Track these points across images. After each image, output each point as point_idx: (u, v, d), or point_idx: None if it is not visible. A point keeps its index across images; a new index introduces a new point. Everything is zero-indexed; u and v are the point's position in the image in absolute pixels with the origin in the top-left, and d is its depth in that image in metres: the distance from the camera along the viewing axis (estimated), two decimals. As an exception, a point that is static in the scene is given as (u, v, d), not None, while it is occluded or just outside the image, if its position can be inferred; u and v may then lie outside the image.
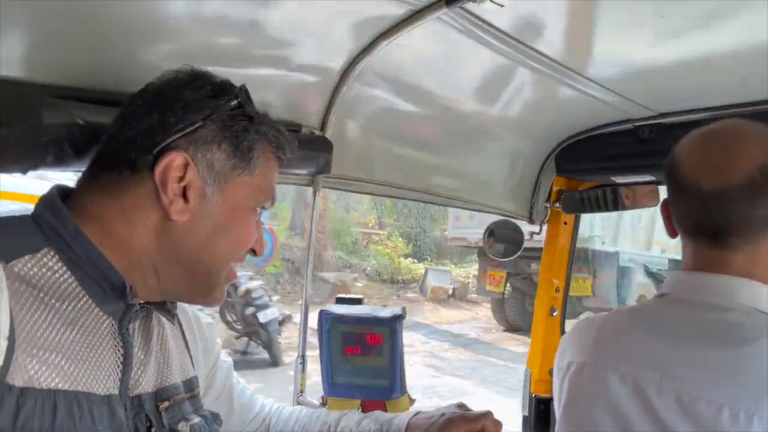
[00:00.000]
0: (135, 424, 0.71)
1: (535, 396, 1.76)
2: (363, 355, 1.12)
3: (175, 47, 0.96)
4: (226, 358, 1.00)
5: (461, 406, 0.96)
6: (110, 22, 0.84)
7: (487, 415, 0.93)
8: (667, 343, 0.83)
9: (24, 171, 0.80)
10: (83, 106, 0.83)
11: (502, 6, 0.91)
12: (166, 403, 0.76)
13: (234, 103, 0.75)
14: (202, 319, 0.96)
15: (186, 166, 0.71)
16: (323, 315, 1.14)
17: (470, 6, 0.95)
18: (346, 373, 1.12)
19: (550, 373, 1.75)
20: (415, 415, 0.95)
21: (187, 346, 0.88)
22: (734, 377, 0.76)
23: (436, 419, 0.92)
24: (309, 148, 1.14)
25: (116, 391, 0.69)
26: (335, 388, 1.13)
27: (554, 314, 1.77)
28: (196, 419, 0.79)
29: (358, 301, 1.21)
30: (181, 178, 0.71)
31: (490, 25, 1.03)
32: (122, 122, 0.74)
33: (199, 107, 0.72)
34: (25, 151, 0.79)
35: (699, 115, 1.34)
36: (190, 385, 0.83)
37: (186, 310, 0.91)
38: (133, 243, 0.72)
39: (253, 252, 0.81)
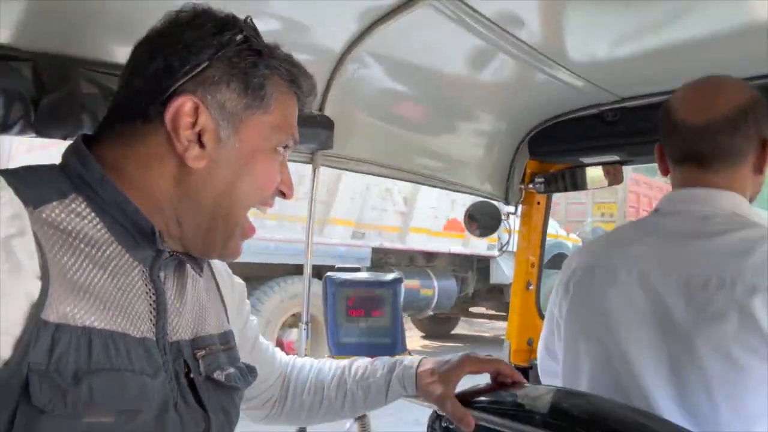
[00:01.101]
0: (174, 368, 0.71)
1: (515, 365, 1.88)
2: (366, 316, 1.21)
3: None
4: (253, 317, 1.02)
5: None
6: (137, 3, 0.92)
7: (500, 361, 0.98)
8: (663, 241, 1.00)
9: (64, 137, 0.86)
10: (115, 77, 0.90)
11: None
12: (203, 351, 0.76)
13: (239, 37, 0.70)
14: (235, 279, 0.96)
15: (196, 109, 0.68)
16: (328, 280, 1.23)
17: (459, -8, 1.06)
18: (351, 334, 1.21)
19: (529, 343, 1.89)
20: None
21: (222, 301, 0.88)
22: (717, 257, 0.92)
23: (449, 358, 0.97)
24: (311, 125, 1.22)
25: (152, 335, 0.68)
26: (341, 348, 1.21)
27: (530, 288, 1.90)
28: (231, 369, 0.80)
29: (357, 270, 1.29)
30: (194, 124, 0.69)
31: (477, 12, 1.13)
32: (130, 71, 0.71)
33: (202, 46, 0.68)
34: (64, 119, 0.86)
35: (659, 98, 1.48)
36: (225, 338, 0.83)
37: (220, 267, 0.92)
38: (153, 192, 0.70)
39: (282, 194, 0.78)
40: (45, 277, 0.58)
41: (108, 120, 0.73)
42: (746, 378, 0.85)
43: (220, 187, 0.72)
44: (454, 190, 1.82)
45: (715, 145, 0.98)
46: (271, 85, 0.73)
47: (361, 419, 1.20)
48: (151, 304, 0.70)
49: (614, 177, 1.75)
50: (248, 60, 0.70)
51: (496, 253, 7.81)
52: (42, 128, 0.83)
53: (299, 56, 1.24)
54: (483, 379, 1.00)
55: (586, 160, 1.73)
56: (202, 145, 0.70)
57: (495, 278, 8.39)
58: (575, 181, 1.78)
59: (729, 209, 0.98)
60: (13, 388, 0.55)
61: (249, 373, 0.85)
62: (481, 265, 8.45)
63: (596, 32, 1.24)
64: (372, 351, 1.17)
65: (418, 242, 7.19)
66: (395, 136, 1.55)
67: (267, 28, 1.12)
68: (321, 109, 1.31)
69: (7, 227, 0.56)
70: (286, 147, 0.77)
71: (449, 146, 1.70)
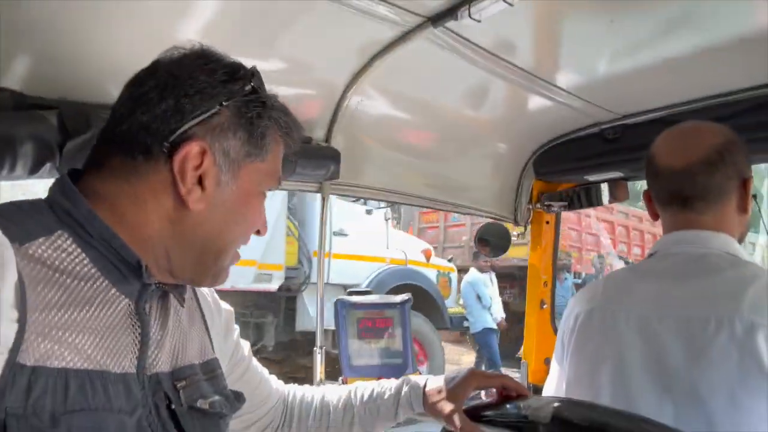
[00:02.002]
0: (154, 402, 0.70)
1: (533, 385, 1.88)
2: (377, 338, 1.24)
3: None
4: (245, 342, 1.02)
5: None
6: (154, 50, 0.99)
7: (505, 376, 1.00)
8: (661, 284, 1.02)
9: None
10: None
11: (479, 21, 1.08)
12: (183, 382, 0.76)
13: (248, 87, 0.74)
14: (222, 305, 0.96)
15: (203, 154, 0.70)
16: (339, 304, 1.27)
17: (452, 25, 1.11)
18: (363, 355, 1.24)
19: (546, 362, 1.89)
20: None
21: (207, 330, 0.88)
22: (714, 297, 0.94)
23: (455, 374, 0.98)
24: (319, 157, 1.29)
25: (133, 370, 0.68)
26: (354, 370, 1.24)
27: (544, 307, 1.91)
28: (216, 397, 0.80)
29: (368, 293, 1.34)
30: (197, 167, 0.70)
31: (470, 42, 1.19)
32: (133, 104, 0.70)
33: (214, 93, 0.71)
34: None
35: (657, 114, 1.51)
36: (209, 366, 0.83)
37: (206, 294, 0.92)
38: (145, 228, 0.71)
39: (257, 232, 0.82)
40: (22, 320, 0.58)
41: (100, 151, 0.72)
42: (749, 417, 0.87)
43: (215, 228, 0.74)
44: (463, 213, 1.86)
45: (696, 185, 1.01)
46: (270, 135, 0.76)
47: None
48: (135, 337, 0.70)
49: (618, 194, 1.77)
50: (254, 110, 0.74)
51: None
52: (66, 170, 0.90)
53: (304, 91, 1.34)
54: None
55: (590, 178, 1.76)
56: (203, 187, 0.72)
57: (301, 324, 6.25)
58: (580, 200, 1.81)
59: (721, 248, 1.01)
60: None
61: (236, 399, 0.85)
62: (290, 305, 6.46)
63: (591, 53, 1.28)
64: (384, 372, 1.20)
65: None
66: (401, 163, 1.60)
67: (272, 67, 1.21)
68: (327, 140, 1.38)
69: None
70: (269, 188, 0.81)
71: (455, 170, 1.74)
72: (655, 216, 1.12)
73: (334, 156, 1.34)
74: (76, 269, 0.66)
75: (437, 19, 1.10)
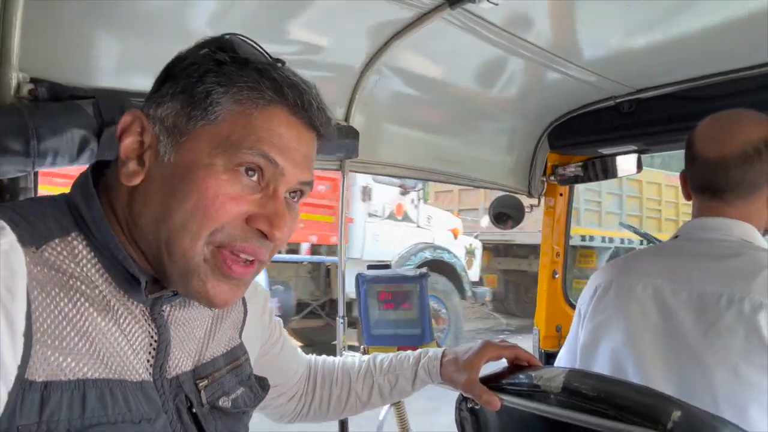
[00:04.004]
0: (176, 406, 0.69)
1: (544, 351, 1.95)
2: (396, 309, 1.31)
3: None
4: (278, 321, 1.02)
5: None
6: (179, 38, 1.03)
7: (517, 347, 1.03)
8: (679, 262, 1.07)
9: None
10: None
11: (497, 4, 1.10)
12: (205, 381, 0.73)
13: (203, 52, 0.66)
14: (259, 287, 0.93)
15: (133, 123, 0.65)
16: (360, 278, 1.33)
17: (469, 6, 1.14)
18: (382, 326, 1.31)
19: (557, 329, 1.96)
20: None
21: (244, 315, 0.86)
22: (728, 276, 0.99)
23: (470, 345, 1.02)
24: (339, 136, 1.33)
25: (149, 378, 0.66)
26: (374, 339, 1.32)
27: (556, 277, 1.96)
28: (240, 390, 0.78)
29: (387, 266, 1.40)
30: (142, 143, 0.65)
31: (486, 21, 1.21)
32: None
33: (168, 67, 0.68)
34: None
35: (671, 89, 1.52)
36: (233, 355, 0.80)
37: (260, 296, 0.92)
38: (125, 223, 0.67)
39: (261, 232, 0.66)
40: (28, 334, 0.55)
41: None
42: (751, 392, 0.91)
43: (155, 209, 0.64)
44: (477, 186, 1.90)
45: (729, 178, 1.04)
46: (219, 94, 0.64)
47: (397, 404, 1.29)
48: (151, 344, 0.67)
49: (631, 167, 1.79)
50: (199, 71, 0.65)
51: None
52: (105, 157, 0.95)
53: (322, 74, 1.37)
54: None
55: (604, 151, 1.78)
56: (143, 162, 0.65)
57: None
58: (595, 172, 1.83)
59: (740, 236, 1.04)
60: None
61: (261, 387, 0.84)
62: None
63: (605, 27, 1.29)
64: (403, 341, 1.27)
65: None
66: (418, 140, 1.64)
67: (289, 50, 1.24)
68: (347, 119, 1.42)
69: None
70: (253, 166, 0.65)
71: (470, 145, 1.78)
72: (688, 197, 1.15)
73: (353, 135, 1.38)
74: (88, 275, 0.63)
75: (455, 0, 1.12)
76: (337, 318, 1.38)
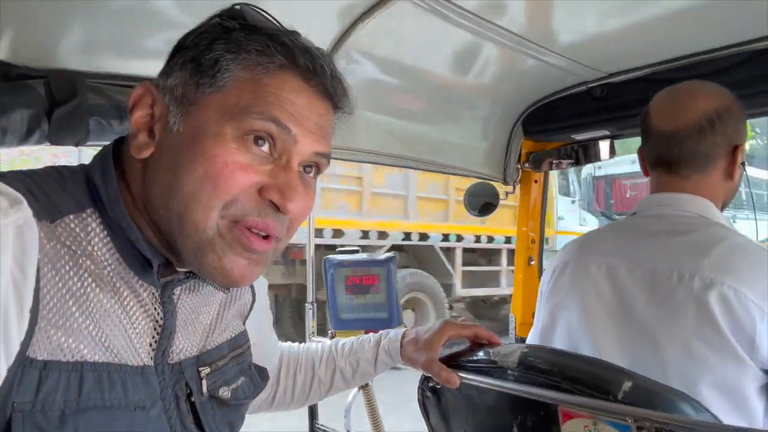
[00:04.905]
0: (175, 393, 0.68)
1: (520, 338, 1.95)
2: (363, 293, 1.30)
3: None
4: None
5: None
6: (140, 18, 1.02)
7: (477, 326, 1.04)
8: (634, 239, 1.07)
9: (76, 144, 0.97)
10: (119, 88, 1.01)
11: None
12: (207, 369, 0.73)
13: (214, 21, 0.66)
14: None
15: (152, 98, 0.65)
16: (326, 262, 1.33)
17: (434, -13, 1.13)
18: (350, 310, 1.31)
19: (533, 316, 1.96)
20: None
21: (253, 301, 0.86)
22: (679, 253, 0.98)
23: (431, 325, 1.03)
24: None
25: (150, 363, 0.65)
26: (342, 323, 1.31)
27: (532, 264, 1.97)
28: (240, 380, 0.78)
29: (355, 251, 1.39)
30: (152, 115, 0.65)
31: (454, 4, 1.20)
32: None
33: (182, 40, 0.67)
34: (74, 128, 0.97)
35: (643, 72, 1.52)
36: (237, 342, 0.80)
37: (263, 283, 0.91)
38: (141, 200, 0.66)
39: (273, 204, 0.64)
40: (34, 310, 0.55)
41: None
42: (701, 368, 0.91)
43: (164, 181, 0.63)
44: (452, 173, 1.90)
45: (682, 151, 1.03)
46: (230, 60, 0.63)
47: (365, 387, 1.29)
48: (155, 328, 0.66)
49: (604, 152, 1.80)
50: (208, 39, 0.64)
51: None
52: (55, 137, 0.94)
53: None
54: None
55: (577, 136, 1.78)
56: (153, 134, 0.64)
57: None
58: (569, 158, 1.84)
59: (696, 212, 1.04)
60: None
61: (260, 377, 0.84)
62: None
63: (576, 12, 1.29)
64: (370, 325, 1.27)
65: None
66: (391, 126, 1.63)
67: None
68: (314, 104, 1.40)
69: (9, 262, 0.53)
70: (262, 133, 0.63)
71: (445, 132, 1.77)
72: (646, 173, 1.14)
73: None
74: (99, 254, 0.62)
75: (418, -20, 1.11)
76: (306, 304, 1.38)
